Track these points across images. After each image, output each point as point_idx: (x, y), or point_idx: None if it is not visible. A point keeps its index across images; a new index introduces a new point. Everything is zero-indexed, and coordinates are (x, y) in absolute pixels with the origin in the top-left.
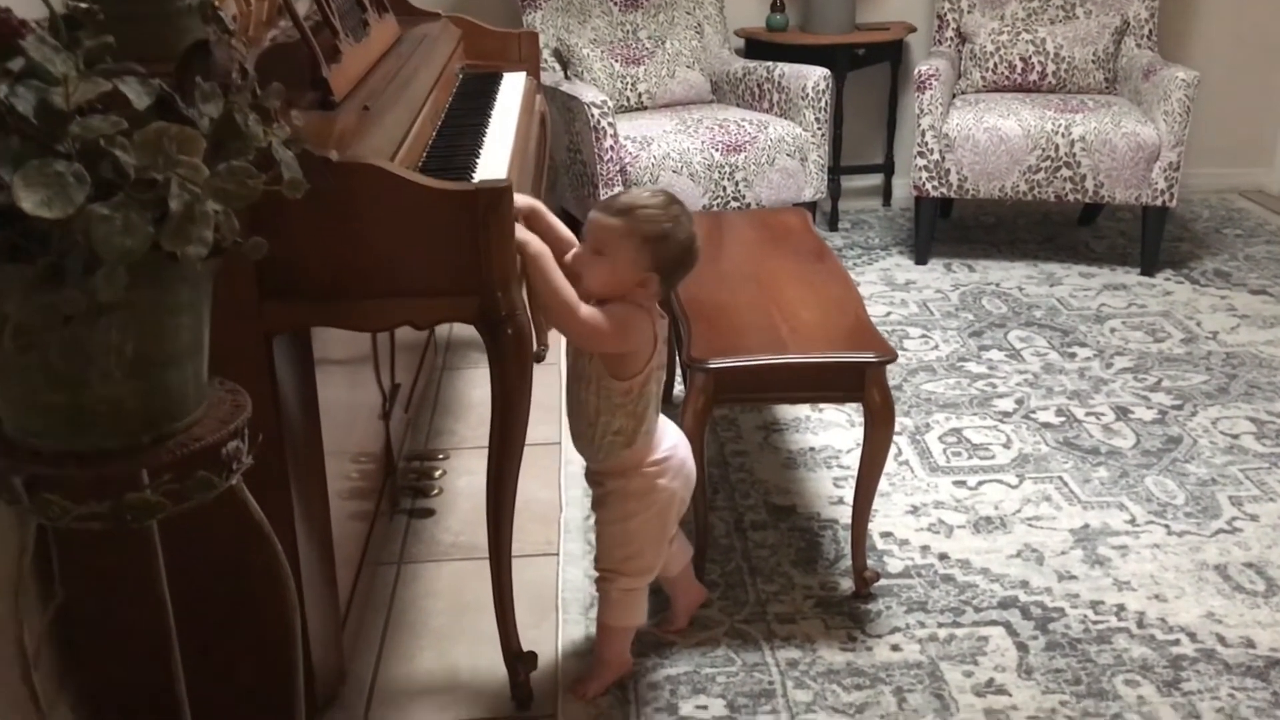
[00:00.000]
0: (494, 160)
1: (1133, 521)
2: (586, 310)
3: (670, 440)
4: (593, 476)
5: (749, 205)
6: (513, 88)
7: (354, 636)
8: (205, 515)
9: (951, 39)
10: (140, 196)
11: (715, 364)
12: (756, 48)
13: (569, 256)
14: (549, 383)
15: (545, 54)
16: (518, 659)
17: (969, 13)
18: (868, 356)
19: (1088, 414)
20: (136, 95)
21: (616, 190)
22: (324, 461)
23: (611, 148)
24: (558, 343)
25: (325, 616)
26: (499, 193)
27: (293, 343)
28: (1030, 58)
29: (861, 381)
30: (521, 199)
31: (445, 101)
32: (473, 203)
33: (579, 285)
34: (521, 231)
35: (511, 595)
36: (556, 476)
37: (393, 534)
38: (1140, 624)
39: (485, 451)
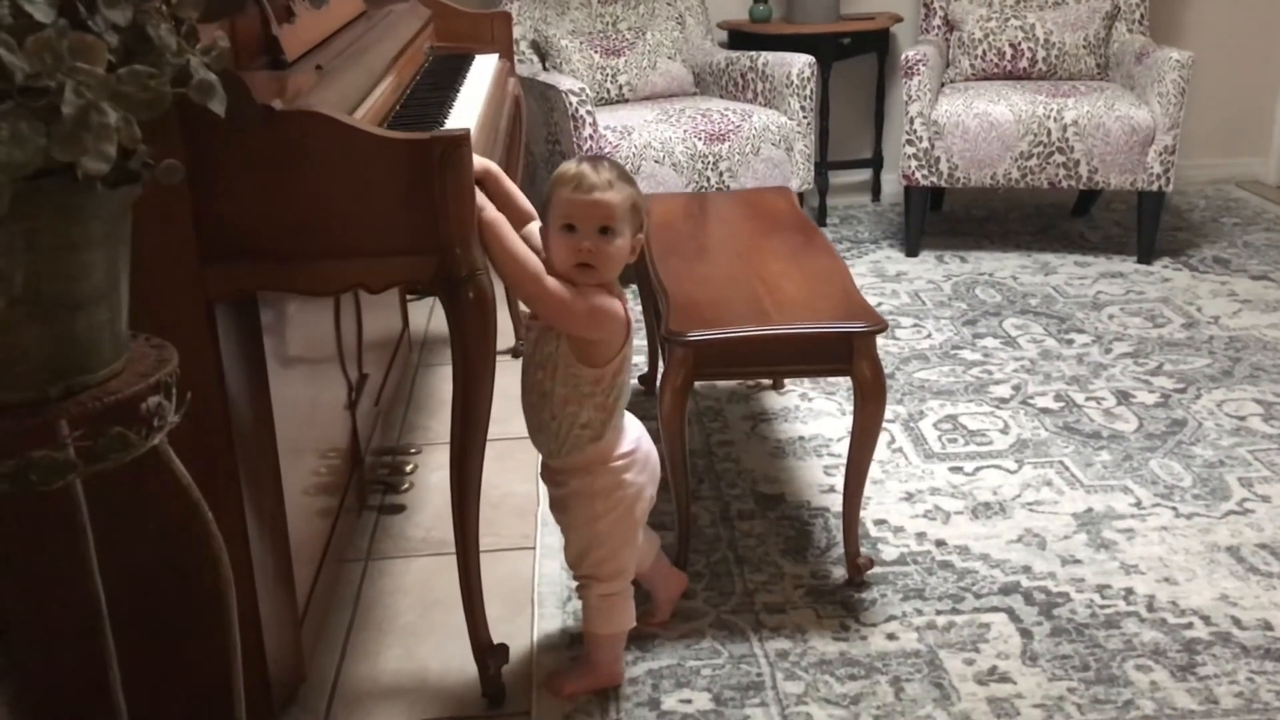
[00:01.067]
0: (458, 124)
1: (1139, 505)
2: (554, 281)
3: (634, 433)
4: (552, 475)
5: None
6: (483, 68)
7: (315, 634)
8: (141, 493)
9: (939, 27)
10: (31, 105)
11: (694, 336)
12: (740, 39)
13: (526, 227)
14: None
15: (523, 45)
16: (487, 652)
17: (956, 0)
18: (856, 326)
19: (1088, 399)
20: (43, 13)
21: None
22: (276, 444)
23: (591, 137)
24: None
25: (281, 612)
26: (456, 141)
27: (238, 311)
28: (1020, 44)
29: (849, 353)
30: (477, 160)
31: (411, 78)
32: (428, 152)
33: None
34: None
35: (480, 583)
36: (534, 470)
37: (360, 530)
38: (1150, 608)
39: None
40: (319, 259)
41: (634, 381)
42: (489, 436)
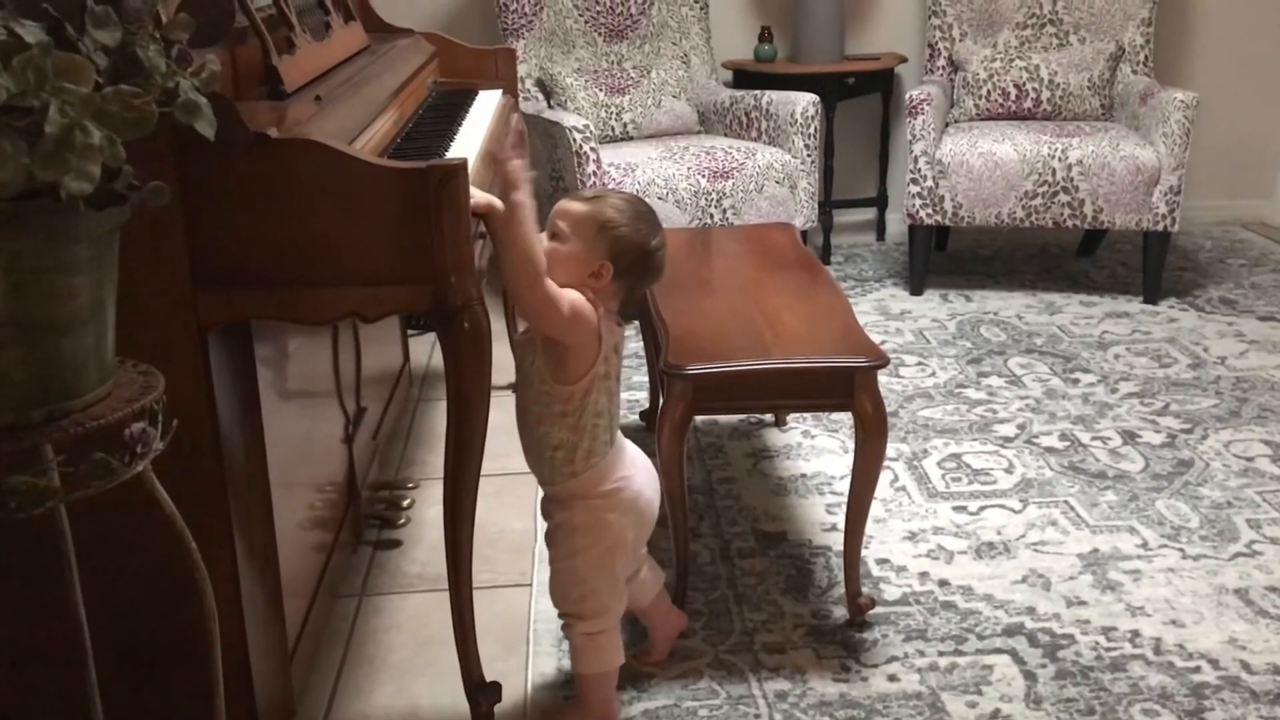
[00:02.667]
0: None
1: (1145, 545)
2: (550, 282)
3: (623, 471)
4: (544, 507)
5: None
6: (486, 103)
7: (305, 670)
8: (126, 521)
9: (943, 68)
10: (15, 124)
11: (693, 370)
12: (745, 78)
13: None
14: None
15: (528, 83)
16: (480, 689)
17: (960, 41)
18: (858, 361)
19: (1093, 438)
20: (32, 34)
21: None
22: (267, 476)
23: (595, 173)
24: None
25: (270, 646)
26: (452, 170)
27: (231, 339)
28: (1024, 85)
29: (851, 388)
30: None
31: (413, 111)
32: (424, 181)
33: None
34: (480, 194)
35: (473, 620)
36: (531, 506)
37: (356, 565)
38: (1157, 650)
39: None
40: (313, 287)
41: (635, 417)
42: (486, 472)
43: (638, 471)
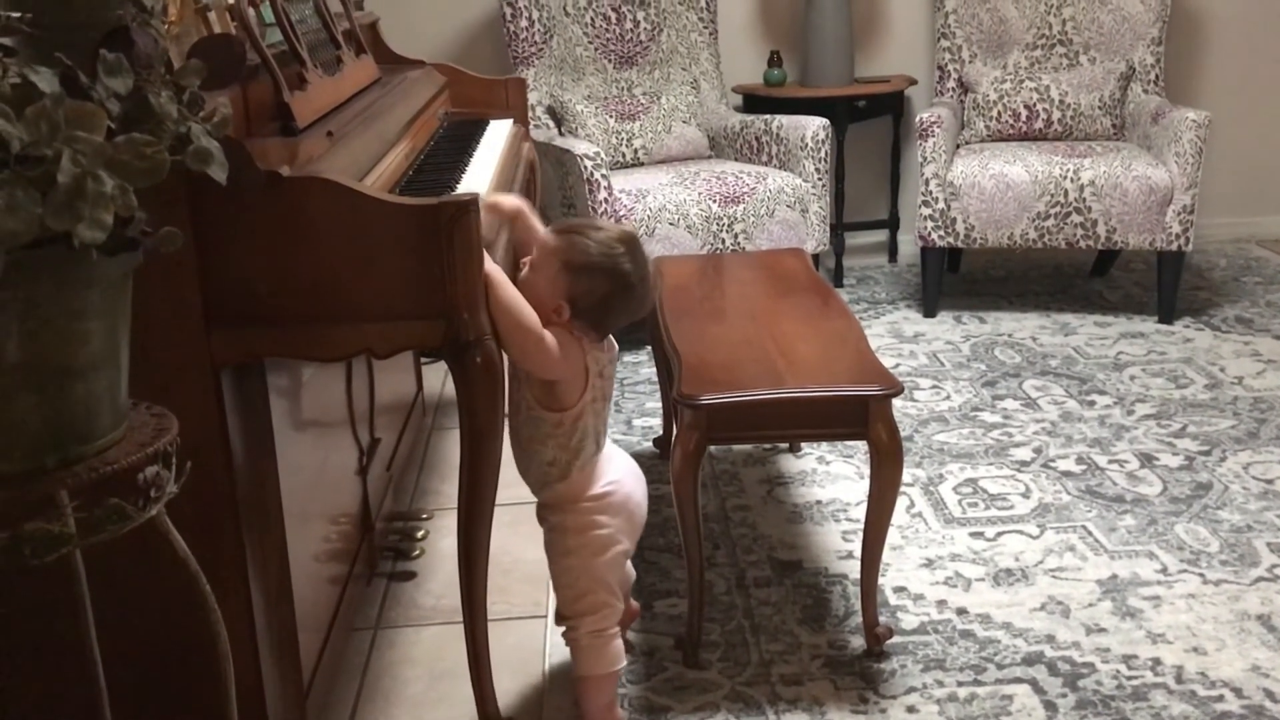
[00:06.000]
0: (470, 188)
1: (1164, 571)
2: (549, 335)
3: (613, 475)
4: (539, 512)
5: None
6: (498, 133)
7: (320, 705)
8: (142, 561)
9: (953, 89)
10: (28, 174)
11: (707, 400)
12: (755, 103)
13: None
14: None
15: (539, 110)
16: None
17: (970, 63)
18: (872, 390)
19: (1110, 461)
20: (47, 82)
21: None
22: (282, 513)
23: (605, 200)
24: None
25: (286, 683)
26: (463, 206)
27: (245, 376)
28: (1035, 105)
29: (865, 416)
30: (508, 200)
31: (425, 142)
32: (435, 217)
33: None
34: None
35: (488, 653)
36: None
37: (370, 597)
38: (1179, 679)
39: None
40: (325, 324)
41: (649, 444)
42: (501, 501)
43: (625, 475)
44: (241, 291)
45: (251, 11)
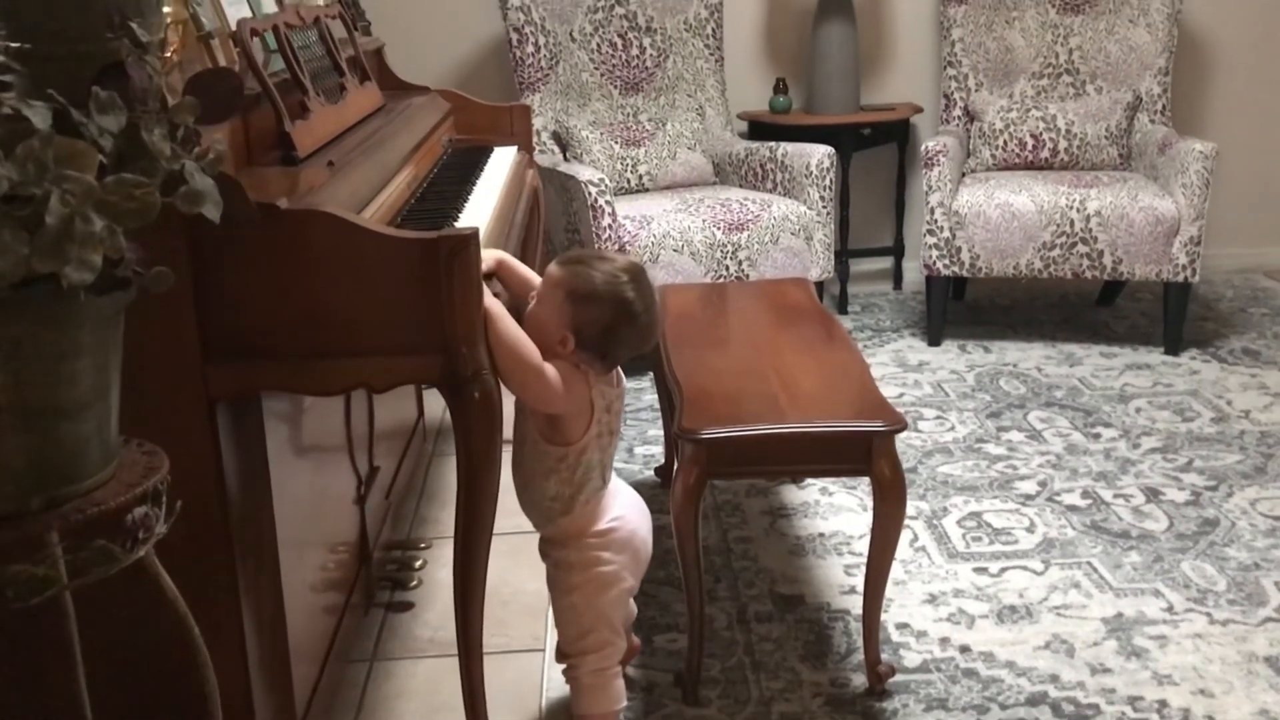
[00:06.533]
0: (471, 221)
1: (1170, 610)
2: (550, 367)
3: (617, 510)
4: (541, 548)
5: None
6: (501, 160)
7: None
8: (131, 597)
9: (959, 118)
10: (17, 214)
11: (708, 434)
12: (760, 130)
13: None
14: None
15: (544, 136)
16: None
17: (976, 91)
18: (875, 425)
19: (1116, 496)
20: (41, 118)
21: None
22: (276, 545)
23: (609, 226)
24: None
25: (280, 716)
26: (463, 240)
27: (240, 410)
28: (1041, 135)
29: (868, 453)
30: (487, 254)
31: (428, 170)
32: (434, 251)
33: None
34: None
35: (483, 689)
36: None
37: (366, 629)
38: None
39: None
40: (323, 358)
41: (650, 474)
42: (501, 530)
43: (630, 511)
44: (238, 325)
45: (255, 40)
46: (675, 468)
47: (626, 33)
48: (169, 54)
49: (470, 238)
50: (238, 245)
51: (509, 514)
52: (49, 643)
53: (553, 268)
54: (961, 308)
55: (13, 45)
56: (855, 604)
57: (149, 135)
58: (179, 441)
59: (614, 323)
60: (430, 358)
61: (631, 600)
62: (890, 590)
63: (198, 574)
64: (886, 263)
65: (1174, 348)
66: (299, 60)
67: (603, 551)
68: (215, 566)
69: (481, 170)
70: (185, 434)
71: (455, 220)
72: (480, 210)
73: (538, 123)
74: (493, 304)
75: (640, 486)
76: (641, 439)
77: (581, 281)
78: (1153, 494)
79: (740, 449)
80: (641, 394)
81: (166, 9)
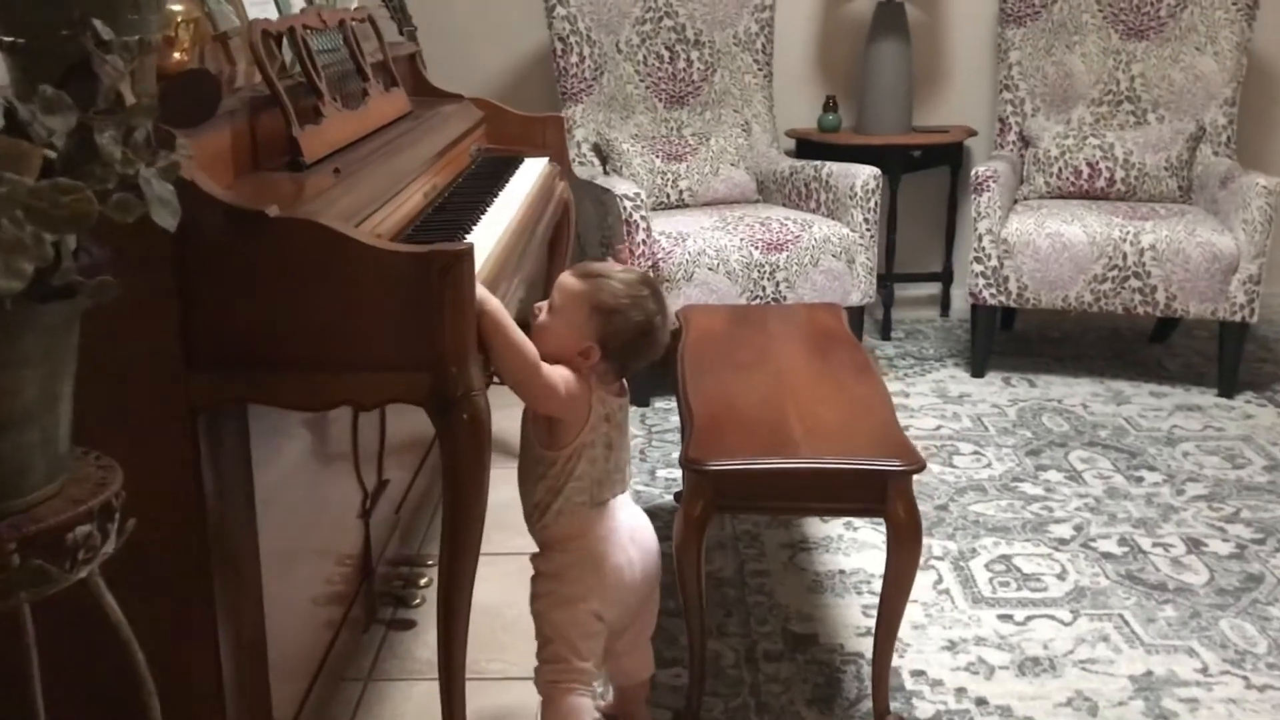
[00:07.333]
0: (482, 239)
1: (1204, 670)
2: (548, 367)
3: (602, 534)
4: (531, 557)
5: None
6: (529, 172)
7: None
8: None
9: (1014, 143)
10: None
11: (714, 466)
12: (808, 148)
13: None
14: None
15: (584, 148)
16: None
17: (1033, 116)
18: (891, 464)
19: (1155, 544)
20: None
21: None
22: (259, 563)
23: (644, 242)
24: None
25: None
26: (456, 256)
27: (224, 422)
28: (1098, 163)
29: (884, 493)
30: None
31: (450, 180)
32: (426, 267)
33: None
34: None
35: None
36: None
37: (366, 646)
38: None
39: (480, 558)
40: (309, 372)
41: (670, 498)
42: (512, 548)
43: (615, 537)
44: (224, 333)
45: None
46: (680, 503)
47: (674, 45)
48: (178, 54)
49: (464, 254)
50: (225, 252)
51: (521, 533)
52: (7, 664)
53: (571, 280)
54: (1009, 338)
55: (6, 40)
56: (870, 648)
57: (100, 138)
58: (158, 452)
59: (638, 335)
60: (418, 375)
61: (649, 656)
62: (909, 634)
63: (172, 590)
64: (934, 289)
65: (1228, 390)
66: (315, 64)
67: (570, 568)
68: (191, 582)
69: (506, 182)
70: (165, 443)
71: (467, 233)
72: (496, 224)
73: (578, 134)
74: (488, 298)
75: (660, 510)
76: (665, 462)
77: (608, 295)
78: (1194, 544)
79: (748, 483)
80: (669, 414)
81: (176, 6)
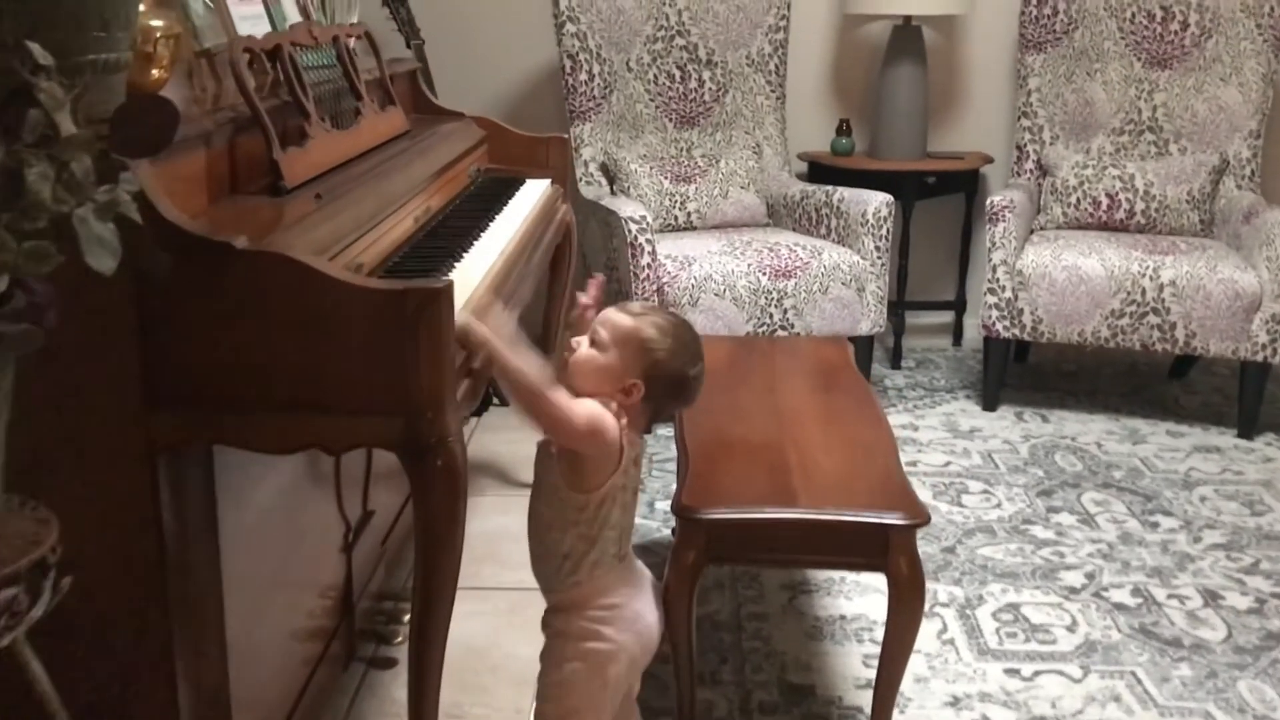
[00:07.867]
0: (475, 265)
1: None
2: (566, 397)
3: (628, 588)
4: (544, 619)
5: (797, 335)
6: (530, 194)
7: None
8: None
9: (1031, 171)
10: None
11: (707, 515)
12: (820, 172)
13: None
14: None
15: (591, 167)
16: None
17: (1051, 144)
18: (894, 518)
19: (1170, 596)
20: None
21: None
22: (223, 609)
23: (649, 265)
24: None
25: None
26: (433, 294)
27: (187, 461)
28: (1117, 194)
29: (885, 547)
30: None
31: (445, 202)
32: (400, 305)
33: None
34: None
35: None
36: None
37: (344, 686)
38: None
39: (469, 593)
40: (274, 413)
41: (668, 532)
42: (502, 584)
43: (642, 594)
44: (186, 371)
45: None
46: (671, 550)
47: (686, 64)
48: (157, 71)
49: (441, 291)
50: (189, 286)
51: (514, 568)
52: None
53: (622, 317)
54: (1023, 370)
55: None
56: (870, 701)
57: (29, 174)
58: (116, 492)
59: (680, 380)
60: (391, 419)
61: (635, 709)
62: (910, 687)
63: (128, 637)
64: (947, 317)
65: (1248, 431)
66: (302, 82)
67: (604, 627)
68: (149, 629)
69: (505, 204)
70: (122, 484)
71: (458, 261)
72: (490, 249)
73: (586, 153)
74: (475, 328)
75: (658, 546)
76: (665, 493)
77: (657, 333)
78: (1211, 597)
79: (742, 533)
80: (671, 442)
81: (157, 22)
